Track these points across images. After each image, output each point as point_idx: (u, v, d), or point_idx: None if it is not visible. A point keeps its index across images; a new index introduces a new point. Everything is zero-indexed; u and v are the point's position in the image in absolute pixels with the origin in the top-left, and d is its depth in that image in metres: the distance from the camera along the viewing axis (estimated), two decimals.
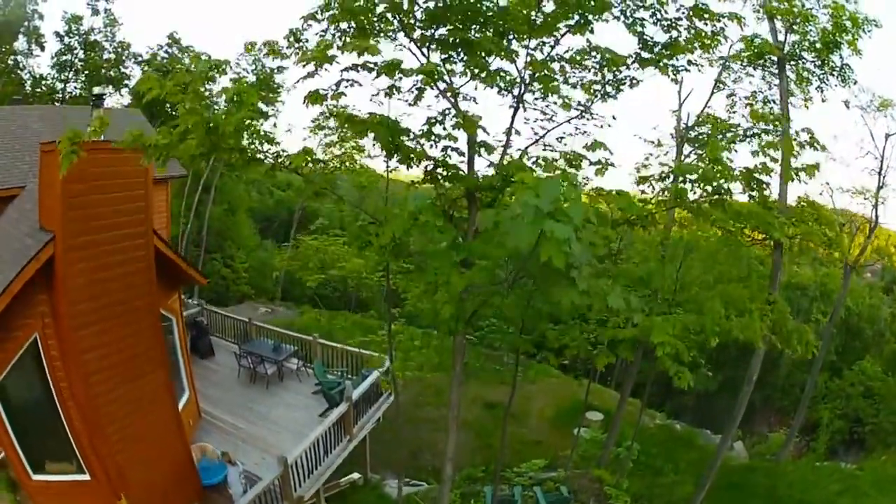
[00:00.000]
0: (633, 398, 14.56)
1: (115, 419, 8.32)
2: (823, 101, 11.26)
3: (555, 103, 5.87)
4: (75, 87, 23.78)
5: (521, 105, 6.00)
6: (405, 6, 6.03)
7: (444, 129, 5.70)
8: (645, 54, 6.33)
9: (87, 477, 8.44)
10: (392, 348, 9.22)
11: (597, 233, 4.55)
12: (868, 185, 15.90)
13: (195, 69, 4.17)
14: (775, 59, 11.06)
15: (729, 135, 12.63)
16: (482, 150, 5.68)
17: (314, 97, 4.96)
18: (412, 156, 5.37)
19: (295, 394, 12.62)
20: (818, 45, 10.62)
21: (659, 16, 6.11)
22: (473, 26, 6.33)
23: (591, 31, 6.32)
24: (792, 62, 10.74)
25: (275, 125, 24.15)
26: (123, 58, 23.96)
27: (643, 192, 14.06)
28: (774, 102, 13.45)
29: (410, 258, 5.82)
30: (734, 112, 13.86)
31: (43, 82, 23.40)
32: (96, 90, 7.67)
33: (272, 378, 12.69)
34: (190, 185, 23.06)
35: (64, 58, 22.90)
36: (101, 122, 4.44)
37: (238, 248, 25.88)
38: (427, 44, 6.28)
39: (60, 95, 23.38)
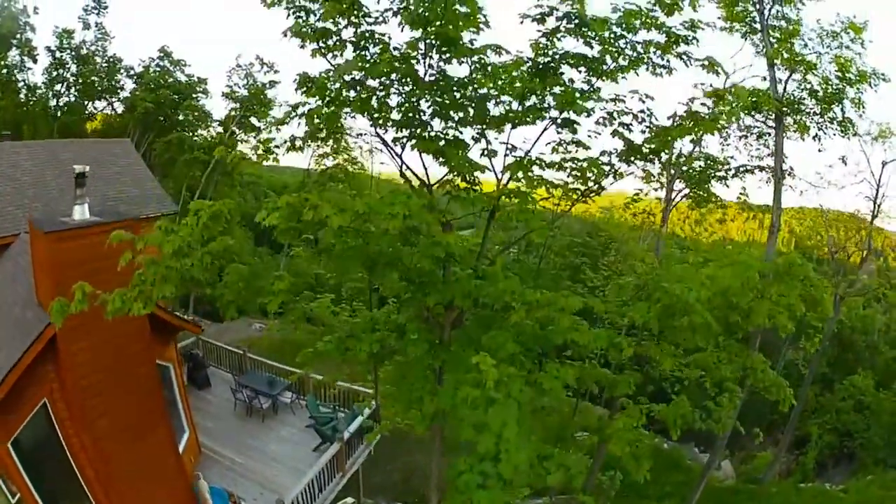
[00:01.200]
0: None
1: (125, 474, 8.83)
2: (820, 151, 11.11)
3: (524, 222, 5.91)
4: (67, 99, 23.68)
5: (497, 210, 6.05)
6: (375, 108, 6.06)
7: (420, 240, 5.76)
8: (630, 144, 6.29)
9: None
10: (377, 402, 9.48)
11: (559, 375, 4.70)
12: (863, 210, 15.84)
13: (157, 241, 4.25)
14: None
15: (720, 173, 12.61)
16: (458, 262, 5.77)
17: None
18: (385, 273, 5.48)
19: (290, 427, 12.99)
20: (819, 94, 10.42)
21: (647, 122, 6.07)
22: (449, 123, 6.35)
23: (575, 132, 6.33)
24: (790, 113, 10.51)
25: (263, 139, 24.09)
26: (116, 71, 23.77)
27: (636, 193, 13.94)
28: (769, 135, 13.33)
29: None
30: (727, 145, 13.79)
31: (37, 91, 23.30)
32: (78, 168, 7.72)
33: (267, 412, 13.05)
34: (184, 195, 23.11)
35: (56, 72, 22.73)
36: (83, 293, 4.57)
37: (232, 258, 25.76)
38: (400, 143, 6.33)
39: (53, 109, 23.32)
